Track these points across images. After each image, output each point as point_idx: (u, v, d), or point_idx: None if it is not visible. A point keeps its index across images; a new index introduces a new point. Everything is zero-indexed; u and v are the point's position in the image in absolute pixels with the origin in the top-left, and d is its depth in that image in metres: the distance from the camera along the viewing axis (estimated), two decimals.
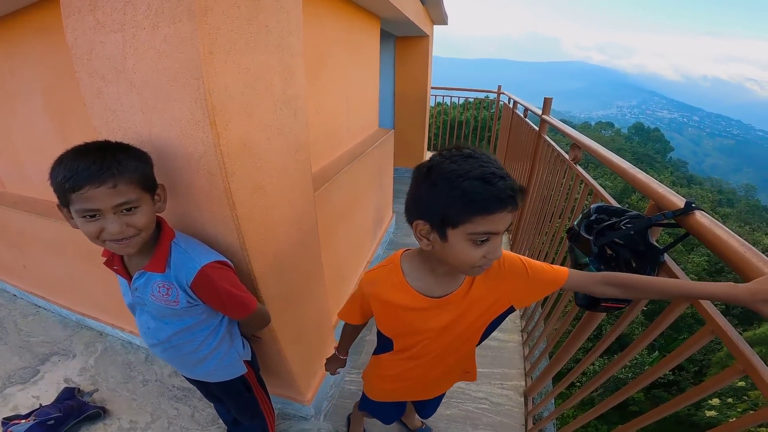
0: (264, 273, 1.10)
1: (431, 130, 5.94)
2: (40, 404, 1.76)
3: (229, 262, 0.96)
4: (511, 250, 2.97)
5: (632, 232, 0.89)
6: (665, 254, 0.88)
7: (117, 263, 0.91)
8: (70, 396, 1.80)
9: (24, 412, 1.71)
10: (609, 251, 0.92)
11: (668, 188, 0.94)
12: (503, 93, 4.94)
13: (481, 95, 5.68)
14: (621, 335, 1.12)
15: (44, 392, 1.88)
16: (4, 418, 1.65)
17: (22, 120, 1.66)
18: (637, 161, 31.59)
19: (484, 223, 0.64)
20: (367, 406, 1.34)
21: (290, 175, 1.15)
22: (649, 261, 0.89)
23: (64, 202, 0.74)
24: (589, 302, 0.96)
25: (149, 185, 0.81)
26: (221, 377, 1.16)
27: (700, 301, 0.75)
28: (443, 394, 1.31)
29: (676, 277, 0.83)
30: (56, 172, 0.71)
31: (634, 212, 0.95)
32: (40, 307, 2.54)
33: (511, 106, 3.90)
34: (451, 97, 5.62)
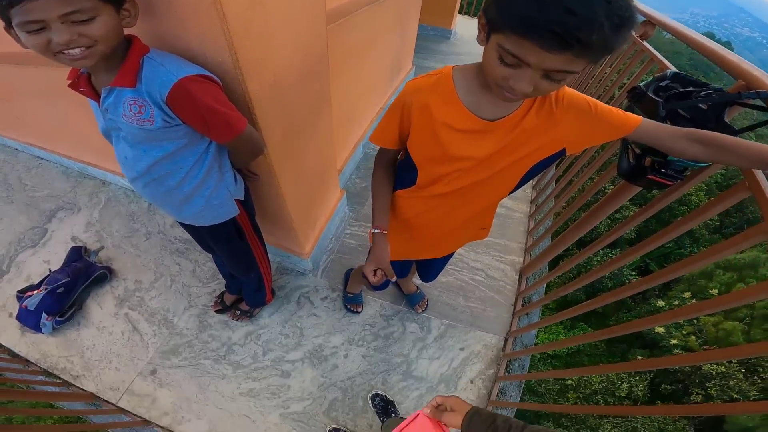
0: (261, 94, 0.99)
1: None
2: (50, 270, 1.83)
3: (215, 77, 0.86)
4: None
5: (705, 106, 0.79)
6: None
7: (83, 84, 0.83)
8: (77, 257, 1.89)
9: (36, 281, 1.80)
10: (667, 122, 0.82)
11: (761, 70, 0.84)
12: None
13: None
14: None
15: (53, 254, 1.97)
16: (18, 291, 1.76)
17: None
18: (692, 67, 27.63)
19: (514, 43, 0.56)
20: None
21: None
22: None
23: (6, 21, 0.66)
24: (632, 171, 0.88)
25: None
26: (211, 220, 1.10)
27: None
28: (449, 257, 1.29)
29: None
30: None
31: (716, 86, 0.83)
32: (42, 159, 2.52)
33: None
34: None
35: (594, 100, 0.74)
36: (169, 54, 0.83)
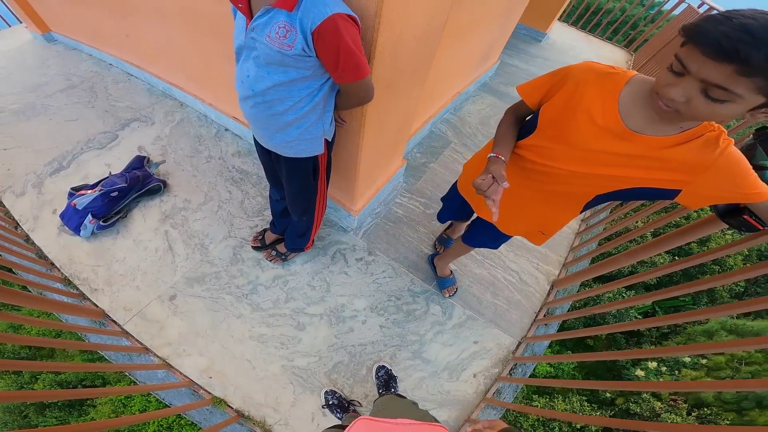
0: (384, 48, 1.04)
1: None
2: (110, 172, 1.92)
3: (359, 20, 0.91)
4: None
5: None
6: None
7: (243, 1, 0.90)
8: (139, 165, 1.96)
9: (93, 181, 1.86)
10: None
11: None
12: None
13: None
14: None
15: (117, 159, 2.08)
16: (72, 188, 1.80)
17: None
18: None
19: (685, 51, 0.62)
20: (446, 195, 1.46)
21: None
22: None
23: None
24: (729, 208, 0.84)
25: None
26: (297, 152, 1.15)
27: None
28: (499, 236, 1.25)
29: None
30: None
31: None
32: (132, 75, 2.69)
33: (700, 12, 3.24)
34: None
35: (749, 167, 0.73)
36: None
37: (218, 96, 2.21)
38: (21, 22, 3.25)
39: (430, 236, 1.93)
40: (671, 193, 0.79)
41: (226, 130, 2.30)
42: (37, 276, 1.50)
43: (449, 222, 1.86)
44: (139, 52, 2.49)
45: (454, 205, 1.39)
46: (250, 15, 0.91)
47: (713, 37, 0.58)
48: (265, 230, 1.78)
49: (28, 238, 1.72)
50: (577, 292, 1.67)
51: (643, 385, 0.94)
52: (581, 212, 1.00)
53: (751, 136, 0.86)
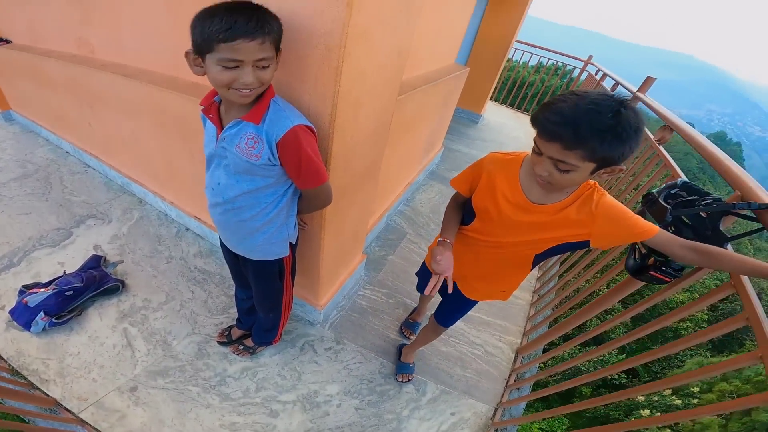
0: (339, 154, 1.17)
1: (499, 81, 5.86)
2: (64, 271, 1.88)
3: (315, 130, 1.02)
4: None
5: (705, 214, 0.93)
6: (728, 244, 0.92)
7: (213, 112, 0.99)
8: (95, 264, 1.94)
9: (45, 279, 1.81)
10: (671, 228, 0.97)
11: (758, 183, 0.98)
12: (592, 63, 4.71)
13: (569, 61, 5.43)
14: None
15: (71, 258, 2.03)
16: (23, 286, 1.76)
17: None
18: (700, 171, 30.98)
19: (536, 136, 0.80)
20: (419, 271, 1.62)
21: (387, 72, 1.23)
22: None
23: (206, 50, 0.81)
24: (637, 268, 1.02)
25: (278, 47, 0.89)
26: (264, 255, 1.23)
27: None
28: (466, 305, 1.39)
29: None
30: (207, 23, 0.78)
31: (717, 196, 0.97)
32: (89, 166, 2.69)
33: (597, 78, 3.81)
34: (532, 54, 5.46)
35: (626, 210, 0.90)
36: (287, 102, 0.99)
37: (180, 195, 2.27)
38: None
39: (395, 322, 2.04)
40: (585, 243, 0.96)
41: (187, 229, 2.33)
42: None
43: (414, 307, 2.06)
44: (100, 143, 2.53)
45: (426, 278, 1.53)
46: (220, 126, 0.98)
47: (541, 123, 0.77)
48: (230, 326, 1.78)
49: None
50: (542, 353, 1.80)
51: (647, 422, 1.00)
52: (532, 269, 1.17)
53: (640, 204, 1.10)
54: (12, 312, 1.64)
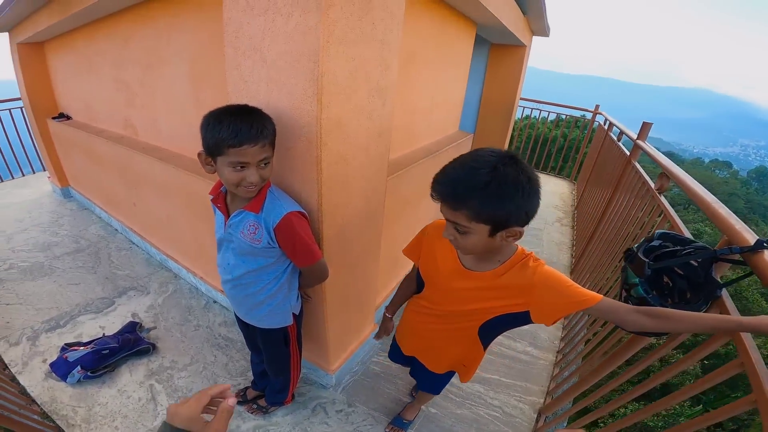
0: (331, 234, 1.28)
1: (514, 142, 5.88)
2: (104, 333, 2.11)
3: (307, 215, 1.15)
4: (571, 275, 2.89)
5: (695, 263, 0.90)
6: (723, 289, 0.89)
7: (221, 202, 1.14)
8: (131, 329, 2.17)
9: (86, 340, 2.04)
10: (666, 279, 0.94)
11: (746, 225, 0.94)
12: (599, 113, 4.78)
13: (577, 113, 5.43)
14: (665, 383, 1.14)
15: (111, 323, 2.27)
16: (65, 344, 2.00)
17: (167, 81, 2.05)
18: (749, 210, 27.85)
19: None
20: (390, 349, 1.56)
21: (370, 154, 1.35)
22: (704, 294, 0.91)
23: (217, 153, 0.95)
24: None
25: (274, 145, 1.06)
26: (270, 324, 1.34)
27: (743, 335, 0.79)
28: (440, 378, 1.37)
29: (728, 313, 0.85)
30: (217, 128, 0.92)
31: (700, 243, 0.96)
32: (134, 243, 3.03)
33: (606, 127, 3.81)
34: (541, 110, 5.50)
35: (566, 279, 0.87)
36: (281, 191, 1.14)
37: (207, 271, 2.47)
38: (45, 170, 3.68)
39: (407, 386, 2.02)
40: (525, 315, 0.91)
41: (215, 302, 2.51)
42: (14, 405, 1.51)
43: None
44: (143, 222, 2.84)
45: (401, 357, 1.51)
46: (227, 214, 1.13)
47: (432, 186, 0.80)
48: (246, 387, 1.87)
49: (14, 378, 1.81)
50: (571, 406, 1.66)
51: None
52: (484, 347, 1.12)
53: (622, 259, 1.07)
54: (52, 365, 1.87)
